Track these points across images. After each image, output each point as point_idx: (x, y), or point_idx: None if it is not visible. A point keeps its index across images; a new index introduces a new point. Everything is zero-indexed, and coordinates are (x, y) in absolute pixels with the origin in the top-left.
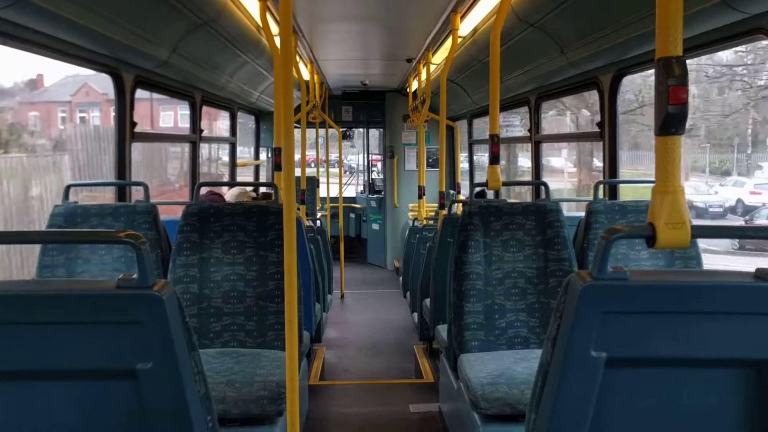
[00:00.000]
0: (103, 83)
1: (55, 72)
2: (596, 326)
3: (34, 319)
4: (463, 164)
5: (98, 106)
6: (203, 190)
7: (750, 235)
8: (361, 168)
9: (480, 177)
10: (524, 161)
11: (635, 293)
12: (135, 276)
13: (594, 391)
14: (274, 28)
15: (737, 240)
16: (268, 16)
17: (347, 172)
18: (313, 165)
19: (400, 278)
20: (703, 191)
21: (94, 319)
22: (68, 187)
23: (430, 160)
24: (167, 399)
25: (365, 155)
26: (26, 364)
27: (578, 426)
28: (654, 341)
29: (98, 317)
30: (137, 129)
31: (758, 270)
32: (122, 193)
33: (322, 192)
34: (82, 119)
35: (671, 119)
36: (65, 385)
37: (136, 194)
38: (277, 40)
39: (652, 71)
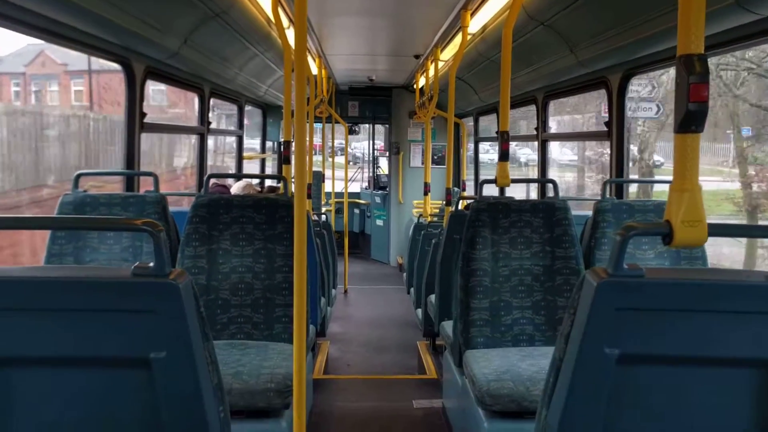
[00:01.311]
0: (62, 52)
1: (17, 39)
2: (610, 323)
3: (48, 306)
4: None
5: (56, 79)
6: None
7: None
8: (366, 158)
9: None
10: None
11: (651, 290)
12: (151, 264)
13: (606, 387)
14: (285, 22)
15: None
16: (279, 10)
17: (351, 162)
18: (316, 152)
19: (404, 274)
20: None
21: (109, 306)
22: (78, 176)
23: (436, 157)
24: (181, 388)
25: (370, 150)
26: (40, 350)
27: (590, 422)
28: (668, 339)
29: (113, 305)
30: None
31: None
32: (130, 183)
33: (327, 187)
34: (37, 93)
35: (691, 117)
36: (79, 372)
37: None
38: (288, 34)
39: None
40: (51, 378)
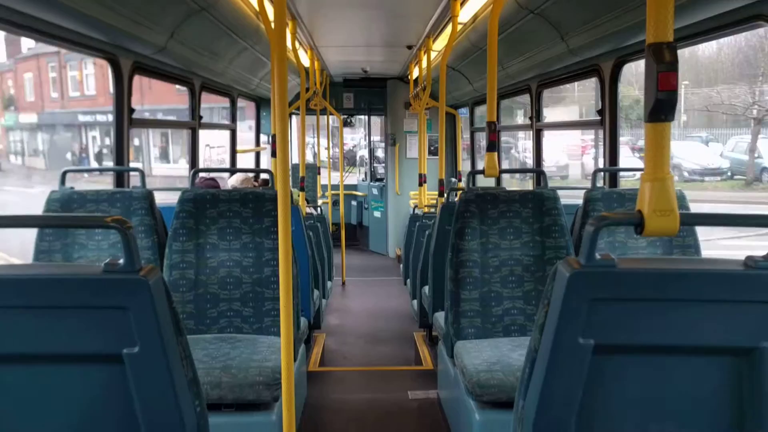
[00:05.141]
0: None
1: None
2: (584, 313)
3: (20, 303)
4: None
5: None
6: (201, 177)
7: (741, 223)
8: (361, 148)
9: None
10: None
11: (623, 280)
12: (122, 261)
13: (581, 378)
14: (272, 14)
15: None
16: (266, 1)
17: (346, 158)
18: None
19: (401, 266)
20: None
21: (80, 303)
22: (65, 173)
23: (432, 148)
24: (154, 384)
25: (367, 143)
26: (13, 348)
27: (565, 413)
28: (642, 328)
29: (85, 302)
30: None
31: (747, 258)
32: (120, 178)
33: (324, 179)
34: None
35: (660, 106)
36: (52, 369)
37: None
38: None
39: None
40: (24, 375)
